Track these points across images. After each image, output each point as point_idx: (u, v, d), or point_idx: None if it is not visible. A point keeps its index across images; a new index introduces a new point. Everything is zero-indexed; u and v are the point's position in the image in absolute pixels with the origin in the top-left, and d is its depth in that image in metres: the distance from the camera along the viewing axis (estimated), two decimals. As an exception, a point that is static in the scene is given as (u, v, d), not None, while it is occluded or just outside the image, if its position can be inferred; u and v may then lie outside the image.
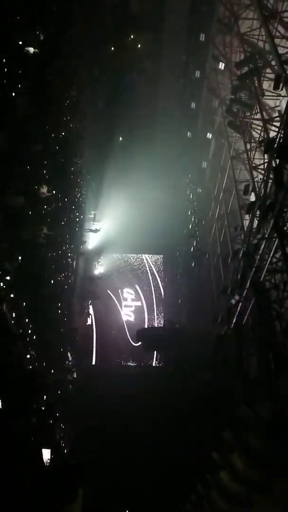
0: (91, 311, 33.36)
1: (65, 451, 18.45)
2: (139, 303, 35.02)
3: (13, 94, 12.02)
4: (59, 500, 4.83)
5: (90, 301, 33.26)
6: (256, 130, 16.88)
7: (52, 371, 19.84)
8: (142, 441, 20.05)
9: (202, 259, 25.92)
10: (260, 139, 15.59)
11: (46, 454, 6.29)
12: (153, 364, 29.46)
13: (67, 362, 24.61)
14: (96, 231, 32.56)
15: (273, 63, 14.75)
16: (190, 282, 30.19)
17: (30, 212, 14.92)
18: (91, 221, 33.04)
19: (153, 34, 28.86)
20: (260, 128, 15.95)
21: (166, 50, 29.14)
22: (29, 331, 16.40)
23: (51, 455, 6.81)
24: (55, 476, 4.99)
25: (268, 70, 15.91)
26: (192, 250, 26.56)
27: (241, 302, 15.52)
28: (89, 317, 33.03)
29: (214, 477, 11.09)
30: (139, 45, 29.50)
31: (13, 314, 13.89)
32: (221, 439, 11.42)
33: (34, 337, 16.95)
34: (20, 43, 12.72)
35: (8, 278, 12.37)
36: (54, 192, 18.63)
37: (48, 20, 14.76)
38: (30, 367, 15.56)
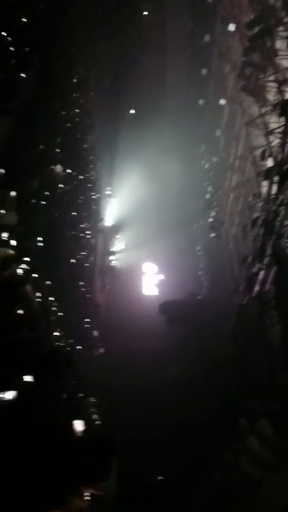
0: (111, 287, 33.67)
1: (96, 423, 19.00)
2: (160, 277, 35.12)
3: (21, 75, 11.86)
4: (92, 474, 4.97)
5: (110, 278, 33.55)
6: (270, 93, 16.35)
7: (77, 348, 20.26)
8: (169, 412, 20.44)
9: (220, 229, 25.71)
10: (275, 102, 15.12)
11: (79, 425, 6.49)
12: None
13: (92, 338, 25.07)
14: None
15: (286, 20, 14.13)
16: (210, 254, 30.05)
17: (46, 194, 14.97)
18: (107, 198, 32.97)
19: (158, 1, 27.88)
20: (274, 90, 15.43)
21: (171, 16, 28.15)
22: (53, 310, 16.73)
23: (84, 427, 7.02)
24: (86, 449, 5.14)
25: (281, 29, 15.24)
26: (210, 221, 26.33)
27: (262, 270, 15.41)
28: (110, 293, 33.37)
29: (242, 444, 11.28)
30: (144, 13, 28.52)
31: (37, 294, 14.15)
32: (247, 407, 11.57)
33: (58, 315, 17.29)
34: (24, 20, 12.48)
35: (29, 259, 12.54)
36: (68, 171, 18.58)
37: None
38: (56, 345, 15.94)
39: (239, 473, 11.17)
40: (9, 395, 5.31)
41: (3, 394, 5.16)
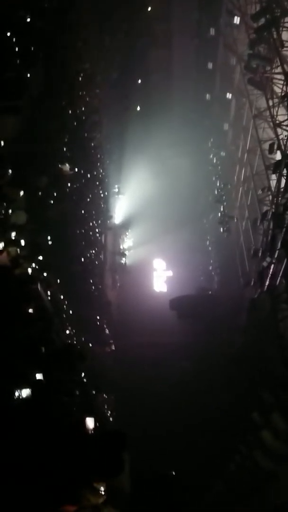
0: (122, 283, 33.80)
1: (110, 419, 19.16)
2: (170, 273, 35.14)
3: (28, 75, 11.89)
4: (105, 468, 5.02)
5: (121, 274, 33.66)
6: (278, 85, 16.21)
7: (90, 344, 20.40)
8: (181, 405, 20.52)
9: (230, 223, 25.63)
10: (283, 94, 14.99)
11: (90, 422, 6.54)
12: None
13: (104, 335, 25.20)
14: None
15: (292, 10, 13.99)
16: (219, 248, 29.98)
17: (54, 192, 15.04)
18: (116, 194, 33.00)
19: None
20: (282, 82, 15.31)
21: (177, 10, 27.99)
22: (65, 307, 16.85)
23: (95, 423, 7.08)
24: (99, 444, 5.19)
25: (287, 19, 15.07)
26: (219, 215, 26.26)
27: (273, 264, 15.33)
28: (120, 290, 33.50)
29: (256, 437, 11.29)
30: (149, 8, 28.41)
31: (48, 292, 14.26)
32: (261, 400, 11.56)
33: (70, 313, 17.41)
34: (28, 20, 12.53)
35: (40, 258, 12.64)
36: (76, 169, 18.64)
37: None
38: (69, 341, 16.06)
39: (254, 464, 11.19)
40: (24, 392, 5.38)
41: (18, 391, 5.23)
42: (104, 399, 18.97)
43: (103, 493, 5.01)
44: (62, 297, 16.40)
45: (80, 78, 19.72)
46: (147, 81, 32.03)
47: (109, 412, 19.38)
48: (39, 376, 6.06)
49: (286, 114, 15.04)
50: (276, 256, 15.03)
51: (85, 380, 11.90)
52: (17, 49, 11.67)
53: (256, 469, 11.08)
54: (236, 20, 19.50)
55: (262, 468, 10.86)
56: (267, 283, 15.98)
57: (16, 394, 5.14)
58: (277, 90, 16.34)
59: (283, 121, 15.23)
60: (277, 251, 14.85)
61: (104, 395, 19.54)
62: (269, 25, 15.00)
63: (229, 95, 24.35)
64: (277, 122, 15.65)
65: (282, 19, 15.12)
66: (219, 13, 22.48)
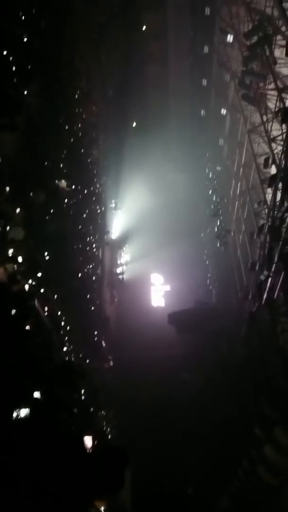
0: (120, 298, 33.67)
1: (109, 436, 18.90)
2: (167, 287, 35.07)
3: (25, 92, 12.04)
4: (105, 486, 4.94)
5: (118, 289, 33.56)
6: (271, 100, 16.44)
7: (88, 360, 20.23)
8: (182, 420, 20.29)
9: (227, 237, 25.70)
10: (276, 109, 15.18)
11: (89, 441, 6.45)
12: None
13: (102, 351, 25.02)
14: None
15: (283, 29, 14.25)
16: (217, 262, 30.00)
17: (52, 209, 15.10)
18: (113, 210, 33.12)
19: (157, 13, 28.27)
20: (275, 98, 15.51)
21: (171, 28, 28.52)
22: (62, 324, 16.75)
23: (93, 441, 7.00)
24: (99, 461, 5.11)
25: (279, 37, 15.36)
26: (216, 229, 26.34)
27: (271, 277, 15.33)
28: (118, 305, 33.36)
29: (259, 452, 11.15)
30: (144, 27, 28.97)
31: (46, 308, 14.19)
32: (263, 414, 11.45)
33: (68, 329, 17.29)
34: (25, 39, 12.73)
35: (38, 273, 12.61)
36: (73, 186, 18.74)
37: (50, 9, 14.61)
38: (67, 358, 15.92)
39: (257, 480, 11.04)
40: (24, 412, 5.31)
41: (18, 410, 5.16)
42: (103, 415, 18.75)
43: (103, 510, 4.94)
44: (60, 313, 16.32)
45: (76, 95, 19.97)
46: (143, 97, 32.43)
47: (109, 428, 19.13)
48: (38, 394, 6.00)
49: (280, 129, 15.19)
50: (273, 269, 15.03)
51: (84, 397, 11.79)
52: (14, 67, 11.85)
53: (260, 484, 10.93)
54: (230, 38, 19.89)
55: (266, 483, 10.71)
56: (265, 296, 15.95)
57: (16, 412, 5.08)
58: (271, 105, 16.56)
59: (277, 136, 15.38)
60: (274, 264, 14.85)
61: (103, 412, 19.33)
62: (261, 42, 15.28)
63: (223, 111, 24.68)
64: (272, 137, 15.81)
65: (274, 37, 15.41)
66: (213, 31, 22.92)
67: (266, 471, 10.59)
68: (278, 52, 15.39)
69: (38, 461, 4.53)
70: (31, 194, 13.25)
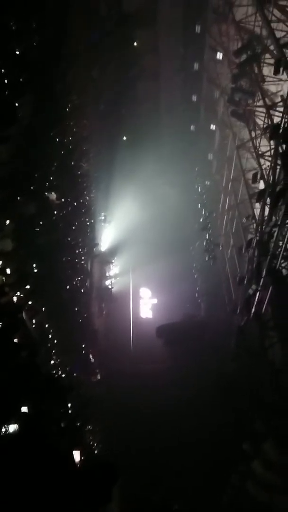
0: (108, 311, 33.49)
1: (96, 451, 18.63)
2: (154, 301, 34.99)
3: (17, 104, 12.09)
4: (93, 501, 4.87)
5: (106, 302, 33.39)
6: (259, 117, 16.74)
7: (75, 374, 20.03)
8: (171, 435, 20.11)
9: (216, 251, 25.83)
10: (265, 126, 15.45)
11: (76, 455, 6.35)
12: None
13: (90, 364, 24.79)
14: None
15: (272, 47, 14.60)
16: (205, 275, 30.07)
17: (41, 221, 15.07)
18: (102, 222, 33.13)
19: (149, 30, 28.77)
20: (263, 115, 15.80)
21: (163, 45, 29.02)
22: (50, 336, 16.59)
23: (81, 456, 6.89)
24: (87, 477, 5.04)
25: (267, 56, 15.73)
26: (205, 243, 26.46)
27: (259, 291, 15.43)
28: (107, 318, 33.15)
29: (248, 467, 11.07)
30: (135, 43, 29.42)
31: (33, 321, 14.06)
32: (252, 429, 11.40)
33: (56, 342, 17.12)
34: (18, 52, 12.83)
35: (26, 286, 12.51)
36: (63, 198, 18.75)
37: (44, 25, 14.79)
38: (54, 372, 15.74)
39: (247, 495, 10.94)
40: (12, 427, 5.24)
41: (6, 426, 5.09)
42: (90, 429, 18.50)
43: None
44: (47, 325, 16.19)
45: (68, 109, 20.10)
46: (135, 112, 32.76)
47: (96, 443, 18.88)
48: (25, 408, 5.92)
49: (268, 145, 15.44)
50: (261, 283, 15.14)
51: (70, 411, 11.64)
52: (6, 80, 11.91)
53: (249, 499, 10.83)
54: (219, 55, 20.29)
55: (255, 499, 10.62)
56: (253, 310, 16.03)
57: (4, 427, 5.01)
58: (259, 122, 16.87)
59: (266, 152, 15.63)
60: (262, 279, 14.96)
61: (90, 426, 19.07)
62: (250, 60, 15.62)
63: (213, 126, 25.01)
64: (260, 152, 16.06)
65: (263, 55, 15.79)
66: (203, 49, 23.36)
67: (255, 486, 10.51)
68: (266, 70, 15.74)
69: (27, 476, 4.46)
70: (21, 206, 13.23)
